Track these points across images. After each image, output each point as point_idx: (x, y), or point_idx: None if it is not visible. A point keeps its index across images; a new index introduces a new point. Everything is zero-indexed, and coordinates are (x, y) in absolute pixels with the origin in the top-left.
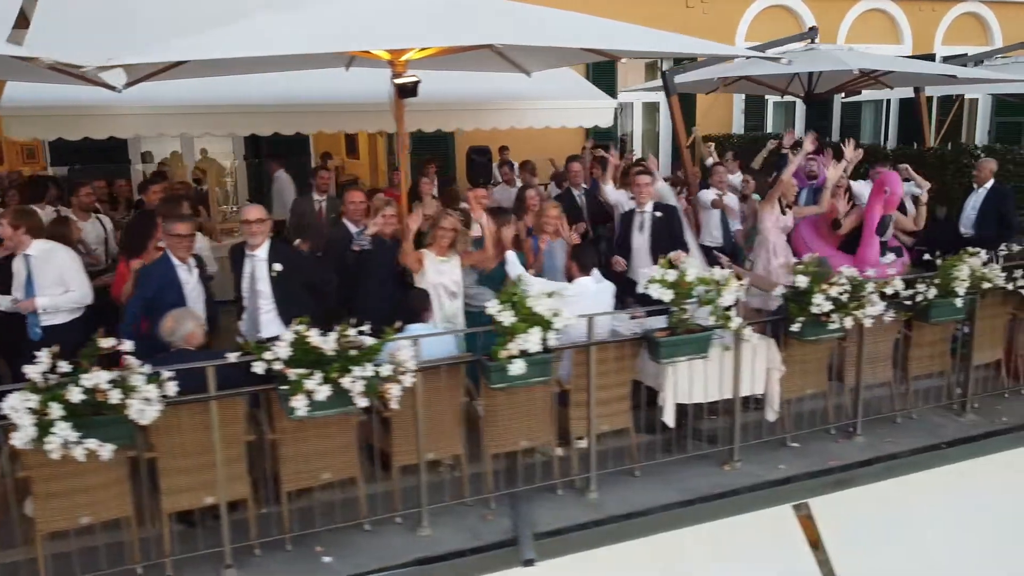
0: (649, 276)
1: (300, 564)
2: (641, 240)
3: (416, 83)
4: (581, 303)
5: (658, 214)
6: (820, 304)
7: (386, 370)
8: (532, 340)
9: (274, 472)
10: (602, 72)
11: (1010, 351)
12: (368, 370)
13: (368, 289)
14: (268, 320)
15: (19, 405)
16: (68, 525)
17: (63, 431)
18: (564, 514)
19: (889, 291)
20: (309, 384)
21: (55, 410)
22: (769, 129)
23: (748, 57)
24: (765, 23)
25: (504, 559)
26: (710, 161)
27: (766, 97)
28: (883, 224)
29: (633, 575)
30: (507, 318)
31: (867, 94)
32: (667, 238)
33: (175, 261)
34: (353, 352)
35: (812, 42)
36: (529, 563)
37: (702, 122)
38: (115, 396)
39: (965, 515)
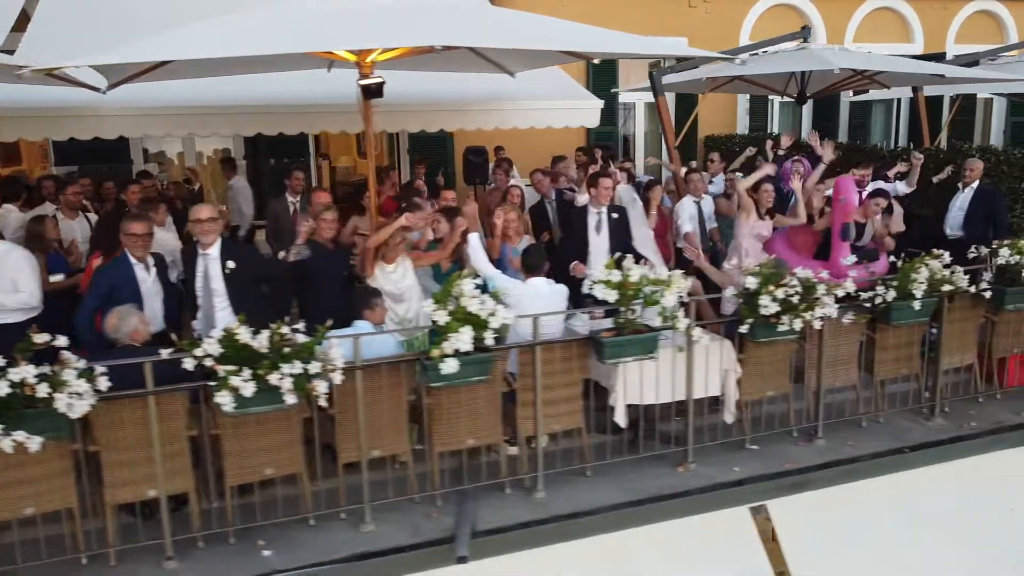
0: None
1: (241, 558)
2: (599, 240)
3: (381, 84)
4: (534, 303)
5: (614, 215)
6: (767, 305)
7: (315, 368)
8: (463, 339)
9: (218, 467)
10: (602, 72)
11: (983, 354)
12: (297, 367)
13: (317, 295)
14: (223, 318)
15: None
16: (11, 516)
17: None
18: (508, 513)
19: (841, 293)
20: (235, 380)
21: None
22: (774, 129)
23: (683, 59)
24: (769, 22)
25: (442, 556)
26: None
27: (770, 97)
28: (845, 230)
29: (580, 574)
30: (442, 317)
31: (876, 94)
32: (625, 238)
33: (132, 260)
34: (286, 350)
35: (804, 41)
36: (462, 560)
37: (705, 122)
38: (43, 390)
39: (924, 520)
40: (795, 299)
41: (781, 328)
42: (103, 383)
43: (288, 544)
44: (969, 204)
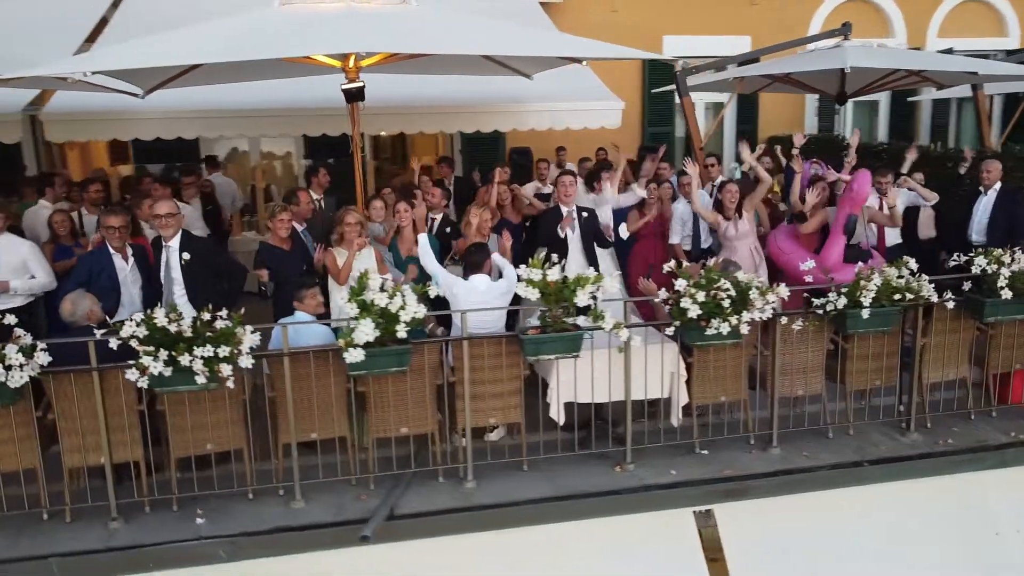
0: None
1: (178, 523)
2: (574, 238)
3: (361, 88)
4: (471, 299)
5: (584, 214)
6: (688, 308)
7: (224, 351)
8: (365, 331)
9: (165, 440)
10: (658, 70)
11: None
12: (208, 351)
13: (280, 289)
14: (181, 304)
15: None
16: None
17: None
18: (433, 500)
19: (773, 298)
20: (145, 360)
21: None
22: (845, 131)
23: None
24: (840, 20)
25: (356, 534)
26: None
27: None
28: (849, 223)
29: (505, 563)
30: (352, 310)
31: (959, 91)
32: (593, 236)
33: (111, 250)
34: (210, 334)
35: (844, 39)
36: (364, 539)
37: (770, 122)
38: None
39: (878, 537)
40: (725, 303)
41: (710, 332)
42: (43, 358)
43: (223, 514)
44: (992, 207)
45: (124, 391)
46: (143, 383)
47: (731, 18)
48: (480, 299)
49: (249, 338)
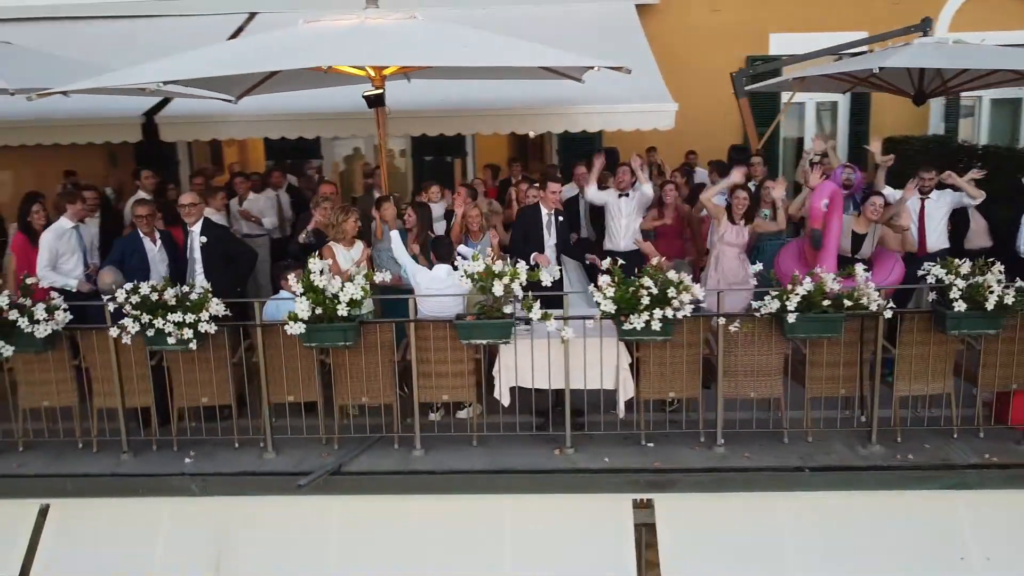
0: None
1: (172, 461)
2: (551, 240)
3: (380, 95)
4: (433, 286)
5: (560, 218)
6: (603, 304)
7: (190, 318)
8: (302, 308)
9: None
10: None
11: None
12: (178, 316)
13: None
14: (200, 281)
15: None
16: (34, 405)
17: None
18: (379, 462)
19: (687, 298)
20: (125, 321)
21: None
22: (980, 136)
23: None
24: (975, 13)
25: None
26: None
27: (979, 94)
28: (811, 238)
29: (440, 525)
30: (299, 289)
31: None
32: (565, 236)
33: (141, 234)
34: (188, 303)
35: (924, 34)
36: (299, 488)
37: (886, 122)
38: (13, 315)
39: (809, 546)
40: (645, 299)
41: (627, 327)
42: (60, 316)
43: (208, 458)
44: None
45: (134, 349)
46: (125, 339)
47: (846, 13)
48: (441, 287)
49: (214, 308)
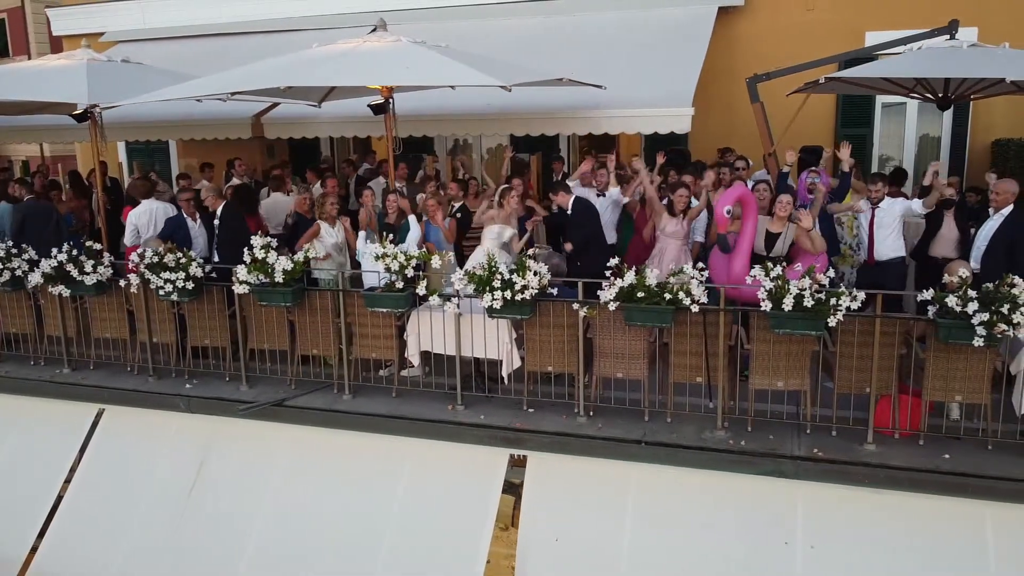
0: None
1: (180, 385)
2: None
3: (381, 104)
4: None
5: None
6: (459, 284)
7: (177, 276)
8: (241, 274)
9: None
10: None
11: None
12: (169, 275)
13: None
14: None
15: None
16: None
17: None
18: (314, 401)
19: (519, 284)
20: (132, 277)
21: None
22: None
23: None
24: None
25: (256, 412)
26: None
27: None
28: (718, 242)
29: (345, 457)
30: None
31: None
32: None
33: (185, 215)
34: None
35: (951, 37)
36: (239, 412)
37: (988, 126)
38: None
39: (643, 510)
40: (496, 282)
41: (484, 304)
42: (103, 270)
43: (203, 385)
44: (995, 232)
45: (156, 297)
46: (133, 289)
47: (950, 8)
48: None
49: (194, 269)
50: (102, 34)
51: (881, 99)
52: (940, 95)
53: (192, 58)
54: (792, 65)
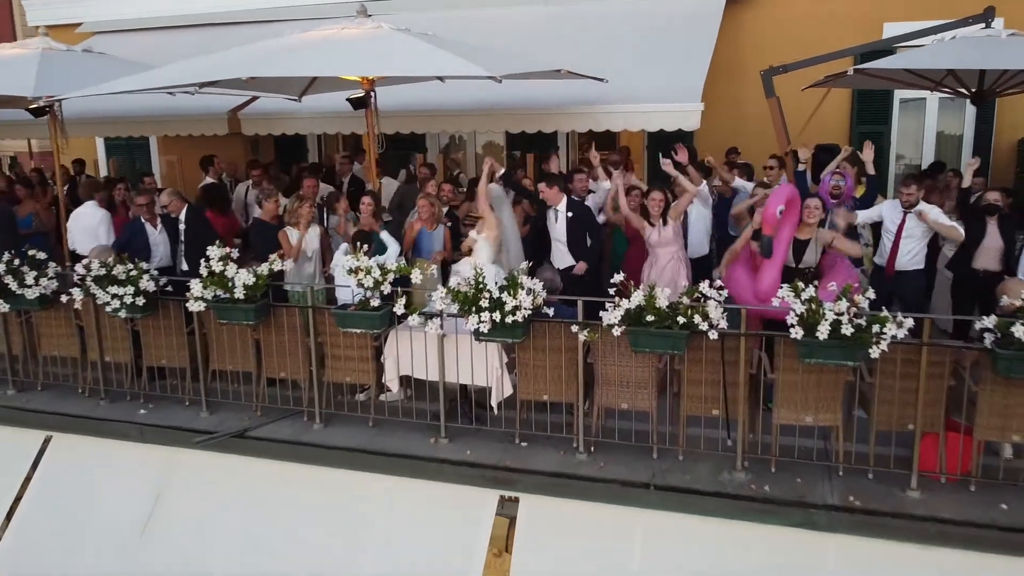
0: None
1: (134, 410)
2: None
3: (361, 97)
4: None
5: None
6: (440, 303)
7: (125, 290)
8: (196, 290)
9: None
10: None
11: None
12: (116, 289)
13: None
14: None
15: None
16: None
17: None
18: (280, 431)
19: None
20: (73, 289)
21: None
22: None
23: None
24: None
25: (220, 444)
26: None
27: None
28: (762, 246)
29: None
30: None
31: None
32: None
33: (143, 220)
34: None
35: (987, 26)
36: (196, 444)
37: (1016, 124)
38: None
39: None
40: (484, 302)
41: (469, 327)
42: (46, 283)
43: (160, 411)
44: None
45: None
46: (77, 305)
47: None
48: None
49: (145, 283)
50: (79, 24)
51: (899, 94)
52: (973, 90)
53: (173, 50)
54: (808, 58)
